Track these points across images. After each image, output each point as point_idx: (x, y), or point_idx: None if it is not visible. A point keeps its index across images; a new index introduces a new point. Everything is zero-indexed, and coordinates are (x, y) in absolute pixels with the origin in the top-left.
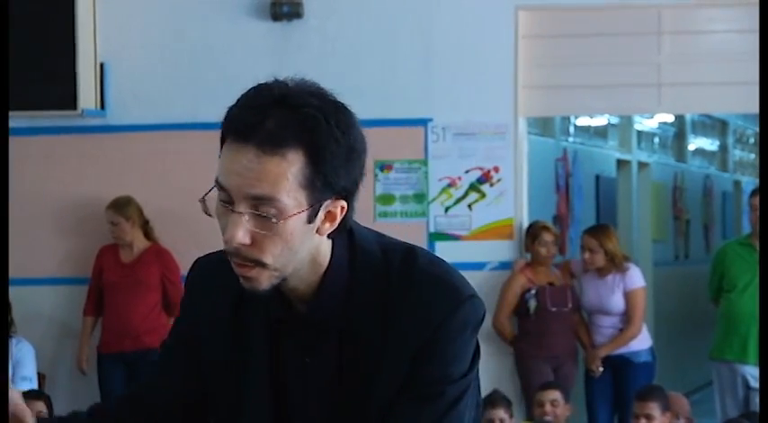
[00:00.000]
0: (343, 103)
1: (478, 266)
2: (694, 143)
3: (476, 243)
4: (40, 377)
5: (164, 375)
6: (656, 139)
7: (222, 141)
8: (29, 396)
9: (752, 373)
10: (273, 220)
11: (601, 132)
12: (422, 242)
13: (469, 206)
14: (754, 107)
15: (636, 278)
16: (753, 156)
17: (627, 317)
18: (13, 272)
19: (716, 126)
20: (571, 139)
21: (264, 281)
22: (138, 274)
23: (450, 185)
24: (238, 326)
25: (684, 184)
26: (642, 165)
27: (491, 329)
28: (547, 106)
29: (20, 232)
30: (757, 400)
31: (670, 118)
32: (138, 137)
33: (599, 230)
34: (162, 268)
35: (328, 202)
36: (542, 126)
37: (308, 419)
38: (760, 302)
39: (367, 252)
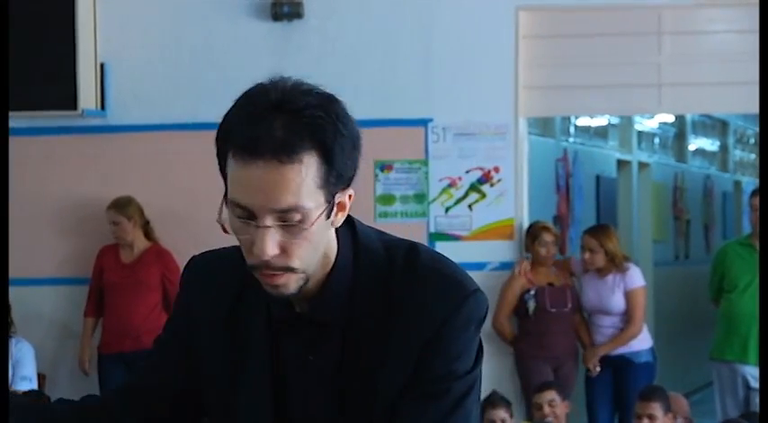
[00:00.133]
0: (331, 94)
1: (479, 267)
2: (695, 143)
3: (476, 243)
4: (40, 377)
5: (155, 370)
6: (657, 140)
7: (222, 154)
8: (28, 396)
9: (752, 373)
10: (303, 226)
11: (601, 132)
12: (422, 242)
13: (470, 206)
14: (754, 107)
15: (636, 277)
16: (753, 156)
17: (627, 316)
18: (13, 272)
19: (716, 126)
20: (571, 140)
21: (293, 285)
22: (139, 274)
23: (450, 186)
24: (236, 325)
25: (685, 184)
26: (642, 165)
27: (491, 330)
28: (547, 106)
29: (20, 232)
30: (757, 400)
31: (670, 118)
32: (138, 137)
33: (599, 230)
34: (162, 268)
35: (339, 193)
36: (543, 126)
37: (309, 418)
38: (760, 303)
39: (370, 249)
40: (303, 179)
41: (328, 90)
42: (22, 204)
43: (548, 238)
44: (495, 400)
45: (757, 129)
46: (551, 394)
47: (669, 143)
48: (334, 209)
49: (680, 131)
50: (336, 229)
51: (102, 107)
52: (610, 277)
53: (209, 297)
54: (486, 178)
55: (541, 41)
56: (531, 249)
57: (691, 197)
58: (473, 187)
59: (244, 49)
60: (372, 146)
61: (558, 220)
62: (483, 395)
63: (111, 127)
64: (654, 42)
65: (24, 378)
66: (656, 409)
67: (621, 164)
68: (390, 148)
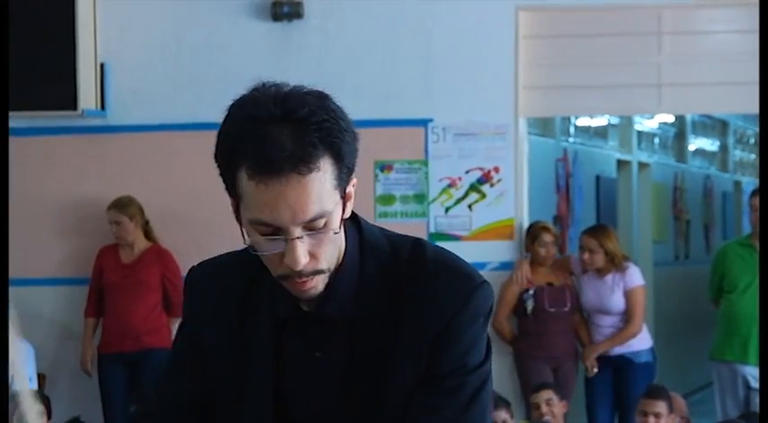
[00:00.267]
0: (321, 91)
1: (479, 267)
2: (695, 143)
3: (476, 243)
4: (40, 377)
5: (177, 384)
6: (657, 140)
7: (229, 173)
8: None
9: (752, 373)
10: (328, 229)
11: (601, 133)
12: None
13: (470, 206)
14: (754, 107)
15: (635, 277)
16: (753, 156)
17: (627, 316)
18: (13, 272)
19: (716, 126)
20: (571, 140)
21: (321, 285)
22: (139, 274)
23: (450, 186)
24: (242, 328)
25: (685, 184)
26: (642, 165)
27: (490, 329)
28: (547, 106)
29: (20, 232)
30: (757, 400)
31: (670, 118)
32: (138, 137)
33: (598, 231)
34: (162, 269)
35: (348, 186)
36: (542, 126)
37: (313, 418)
38: (760, 303)
39: (376, 246)
40: (323, 184)
41: (328, 90)
42: (22, 204)
43: (547, 238)
44: (495, 400)
45: (757, 129)
46: (548, 393)
47: (669, 143)
48: (347, 202)
49: (680, 131)
50: (343, 228)
51: (102, 107)
52: (609, 277)
53: (215, 303)
54: (486, 178)
55: (541, 41)
56: (530, 249)
57: (691, 197)
58: (473, 187)
59: (244, 49)
60: (372, 146)
61: (557, 220)
62: None
63: (111, 127)
64: (654, 42)
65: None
66: (662, 407)
67: (621, 164)
68: (390, 149)
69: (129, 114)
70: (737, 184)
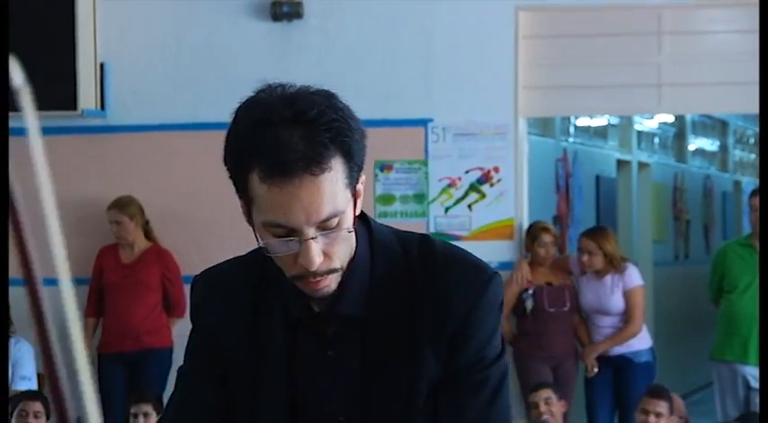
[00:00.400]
0: (327, 90)
1: None
2: (694, 143)
3: (476, 243)
4: (40, 377)
5: (198, 398)
6: (657, 140)
7: (240, 176)
8: (28, 396)
9: (752, 373)
10: (341, 228)
11: (601, 133)
12: None
13: (469, 206)
14: (754, 107)
15: (634, 277)
16: (753, 156)
17: (627, 316)
18: (13, 272)
19: (716, 126)
20: (571, 140)
21: (333, 283)
22: (139, 274)
23: (450, 186)
24: (255, 331)
25: (684, 184)
26: (642, 165)
27: None
28: (547, 106)
29: None
30: (757, 400)
31: (670, 118)
32: (138, 137)
33: (597, 232)
34: (162, 269)
35: (357, 183)
36: (542, 126)
37: (328, 416)
38: (760, 303)
39: (385, 244)
40: (335, 184)
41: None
42: (21, 204)
43: (547, 238)
44: None
45: (757, 129)
46: (547, 393)
47: (669, 143)
48: (357, 199)
49: (680, 131)
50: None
51: (102, 107)
52: (608, 278)
53: (225, 310)
54: (485, 178)
55: (541, 41)
56: (530, 250)
57: (690, 197)
58: (473, 187)
59: (244, 49)
60: (372, 146)
61: (557, 220)
62: None
63: (111, 127)
64: (654, 42)
65: (24, 378)
66: (664, 407)
67: (621, 164)
68: (390, 148)
69: (129, 114)
70: (737, 184)
